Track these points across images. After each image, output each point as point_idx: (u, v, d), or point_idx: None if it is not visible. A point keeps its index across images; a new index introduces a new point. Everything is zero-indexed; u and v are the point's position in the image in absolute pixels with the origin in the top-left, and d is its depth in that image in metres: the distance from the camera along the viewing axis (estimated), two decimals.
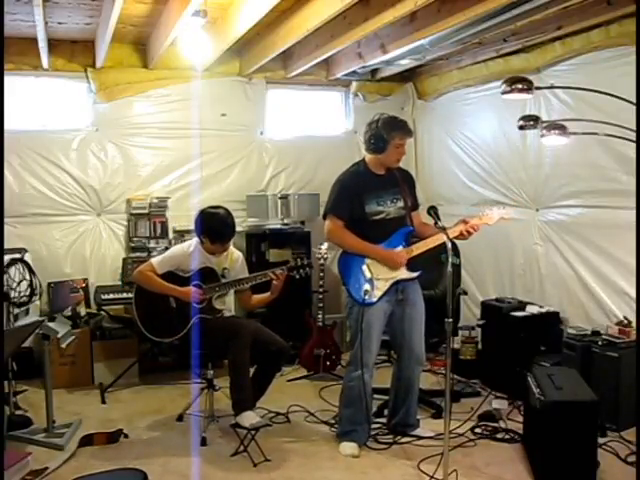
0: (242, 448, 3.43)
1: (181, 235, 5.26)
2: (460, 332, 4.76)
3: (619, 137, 3.28)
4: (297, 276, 3.79)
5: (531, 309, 4.44)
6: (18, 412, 3.96)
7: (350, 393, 3.51)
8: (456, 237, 3.38)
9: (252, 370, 3.79)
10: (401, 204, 3.50)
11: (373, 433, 3.63)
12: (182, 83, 5.29)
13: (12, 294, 3.90)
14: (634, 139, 3.02)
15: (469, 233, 3.39)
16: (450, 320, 2.96)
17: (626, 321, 3.87)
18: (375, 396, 3.71)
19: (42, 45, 4.39)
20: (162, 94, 5.28)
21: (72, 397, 4.43)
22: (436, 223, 3.21)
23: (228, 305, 3.95)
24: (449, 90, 5.53)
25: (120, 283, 5.07)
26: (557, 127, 3.37)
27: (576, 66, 4.23)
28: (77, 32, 4.67)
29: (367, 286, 3.38)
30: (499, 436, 3.65)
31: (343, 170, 3.59)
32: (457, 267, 4.35)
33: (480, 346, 4.77)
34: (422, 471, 3.22)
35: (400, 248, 3.44)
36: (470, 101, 5.31)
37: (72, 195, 5.12)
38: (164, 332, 3.69)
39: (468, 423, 3.72)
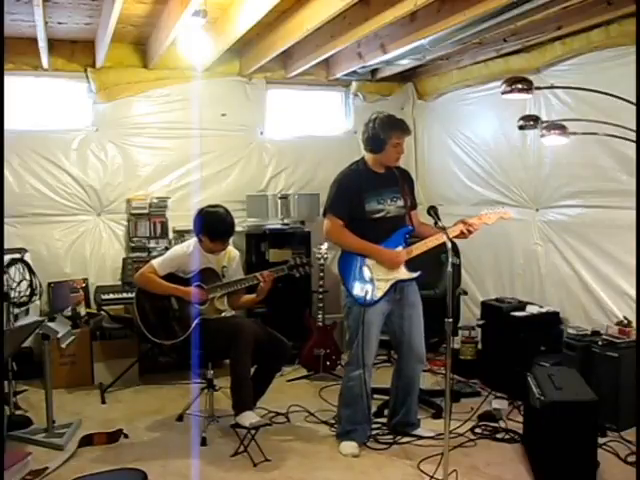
0: (242, 448, 3.43)
1: (181, 235, 5.26)
2: (460, 332, 4.76)
3: (619, 137, 3.28)
4: (297, 274, 3.81)
5: (531, 309, 4.44)
6: (18, 412, 3.96)
7: (350, 393, 3.51)
8: (456, 237, 3.38)
9: (252, 370, 3.79)
10: (401, 203, 3.50)
11: (373, 433, 3.63)
12: (182, 83, 5.29)
13: (12, 294, 3.90)
14: (634, 139, 3.01)
15: (469, 232, 3.39)
16: (450, 320, 2.96)
17: (626, 321, 3.86)
18: (375, 396, 3.71)
19: (42, 45, 4.38)
20: (162, 94, 5.28)
21: (72, 397, 4.43)
22: (436, 223, 3.21)
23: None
24: (449, 90, 5.53)
25: (120, 283, 5.08)
26: (557, 127, 3.37)
27: (576, 66, 4.22)
28: (77, 32, 4.67)
29: (368, 286, 3.38)
30: (499, 436, 3.65)
31: (343, 169, 3.59)
32: (457, 267, 4.35)
33: (480, 346, 4.77)
34: (422, 471, 3.22)
35: (400, 248, 3.44)
36: (470, 101, 5.31)
37: (72, 195, 5.12)
38: (166, 334, 3.68)
39: (468, 423, 3.72)
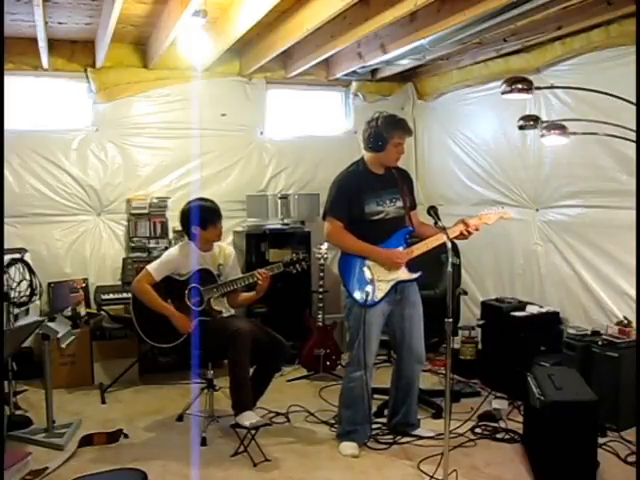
0: (242, 448, 3.43)
1: (181, 235, 5.22)
2: (460, 332, 4.76)
3: (619, 137, 3.28)
4: (294, 271, 3.79)
5: (531, 309, 4.44)
6: (18, 412, 3.96)
7: (350, 393, 3.51)
8: (456, 237, 3.38)
9: (251, 370, 3.79)
10: (400, 204, 3.50)
11: (373, 433, 3.63)
12: (182, 83, 5.29)
13: (12, 294, 3.90)
14: (634, 139, 3.01)
15: (469, 233, 3.39)
16: (450, 320, 2.96)
17: (626, 321, 3.86)
18: (375, 396, 3.71)
19: (42, 45, 4.38)
20: (162, 94, 5.28)
21: (72, 397, 4.43)
22: (436, 223, 3.21)
23: (227, 305, 3.94)
24: (449, 90, 5.53)
25: (120, 283, 5.08)
26: (557, 127, 3.37)
27: (576, 66, 4.23)
28: (77, 32, 4.67)
29: (368, 287, 3.37)
30: (499, 436, 3.65)
31: (342, 170, 3.59)
32: (457, 267, 4.35)
33: (480, 346, 4.77)
34: (422, 471, 3.22)
35: (400, 249, 3.44)
36: (470, 101, 5.31)
37: (72, 195, 5.12)
38: (165, 337, 3.67)
39: (468, 423, 3.72)
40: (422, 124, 5.95)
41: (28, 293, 4.02)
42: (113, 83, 5.10)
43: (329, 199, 3.51)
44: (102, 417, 4.03)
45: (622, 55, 3.82)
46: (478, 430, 3.72)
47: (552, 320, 4.41)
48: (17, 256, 4.21)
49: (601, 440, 3.35)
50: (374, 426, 3.68)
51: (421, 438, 3.59)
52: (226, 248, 3.97)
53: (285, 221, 5.50)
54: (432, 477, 3.12)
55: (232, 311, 3.93)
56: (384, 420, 3.79)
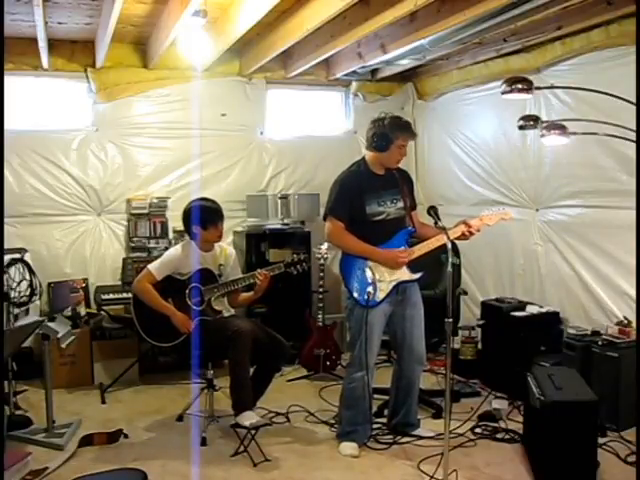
0: (242, 448, 3.43)
1: (181, 235, 5.24)
2: (460, 332, 4.76)
3: (619, 137, 3.28)
4: (295, 272, 3.80)
5: (531, 309, 4.44)
6: (18, 412, 3.96)
7: (351, 394, 3.50)
8: (457, 238, 3.38)
9: (252, 370, 3.79)
10: (401, 204, 3.50)
11: (373, 433, 3.63)
12: (182, 83, 5.29)
13: (12, 294, 3.90)
14: (634, 139, 3.02)
15: (471, 234, 3.39)
16: (450, 320, 2.96)
17: (626, 321, 3.86)
18: (375, 396, 3.71)
19: (42, 45, 4.38)
20: (162, 94, 5.28)
21: (72, 397, 4.43)
22: (436, 223, 3.21)
23: (227, 305, 3.94)
24: (449, 90, 5.53)
25: (120, 283, 5.08)
26: (557, 127, 3.37)
27: (576, 66, 4.23)
28: (77, 32, 4.67)
29: (370, 288, 3.37)
30: (499, 436, 3.65)
31: (343, 169, 3.58)
32: (457, 267, 4.35)
33: (480, 346, 4.77)
34: (422, 471, 3.22)
35: (402, 249, 3.44)
36: (470, 101, 5.31)
37: (72, 195, 5.12)
38: (165, 336, 3.67)
39: (468, 423, 3.72)
40: (422, 124, 5.95)
41: (28, 293, 4.02)
42: (113, 83, 5.10)
43: (330, 199, 3.50)
44: (102, 417, 4.03)
45: (622, 55, 3.82)
46: (478, 430, 3.72)
47: (552, 320, 4.41)
48: (17, 256, 4.21)
49: (601, 440, 3.35)
50: (374, 426, 3.68)
51: (421, 438, 3.59)
52: (227, 249, 3.96)
53: (285, 221, 5.50)
54: (432, 477, 3.12)
55: (232, 311, 3.93)
56: (384, 420, 3.79)
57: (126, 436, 3.69)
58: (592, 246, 4.25)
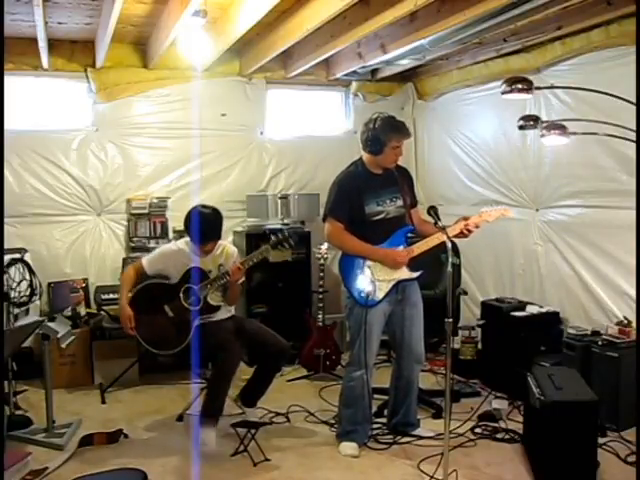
0: (242, 448, 3.43)
1: (181, 235, 5.24)
2: (460, 332, 4.77)
3: (619, 137, 3.28)
4: (286, 246, 3.73)
5: (531, 309, 4.44)
6: (18, 412, 3.96)
7: (351, 393, 3.51)
8: (457, 235, 3.37)
9: (252, 370, 3.80)
10: (400, 203, 3.49)
11: (373, 433, 3.63)
12: (182, 83, 5.29)
13: (12, 294, 3.90)
14: (634, 139, 3.01)
15: (469, 231, 3.38)
16: (450, 320, 2.96)
17: (626, 321, 3.86)
18: (375, 396, 3.71)
19: (42, 45, 4.38)
20: (162, 94, 5.28)
21: (72, 397, 4.43)
22: (436, 223, 3.21)
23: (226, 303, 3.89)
24: (449, 90, 5.53)
25: (120, 283, 5.07)
26: (557, 127, 3.37)
27: (576, 66, 4.23)
28: (77, 32, 4.67)
29: (369, 287, 3.37)
30: (499, 436, 3.65)
31: (342, 170, 3.58)
32: (457, 267, 4.35)
33: (480, 346, 4.77)
34: (422, 471, 3.22)
35: (401, 248, 3.44)
36: (470, 101, 5.31)
37: (72, 195, 5.12)
38: (166, 344, 3.62)
39: (468, 423, 3.72)
40: (422, 124, 5.95)
41: (28, 293, 4.02)
42: (113, 83, 5.10)
43: (329, 200, 3.50)
44: (102, 417, 4.03)
45: (622, 55, 3.83)
46: (478, 430, 3.72)
47: (552, 320, 4.41)
48: (17, 256, 4.21)
49: (601, 440, 3.35)
50: (374, 426, 3.68)
51: (421, 438, 3.59)
52: (228, 247, 3.90)
53: (285, 221, 5.50)
54: (432, 477, 3.12)
55: (232, 310, 3.91)
56: (384, 420, 3.79)
57: (126, 436, 3.69)
58: (592, 246, 4.25)
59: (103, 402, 4.34)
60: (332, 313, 5.05)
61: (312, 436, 3.72)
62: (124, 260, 5.12)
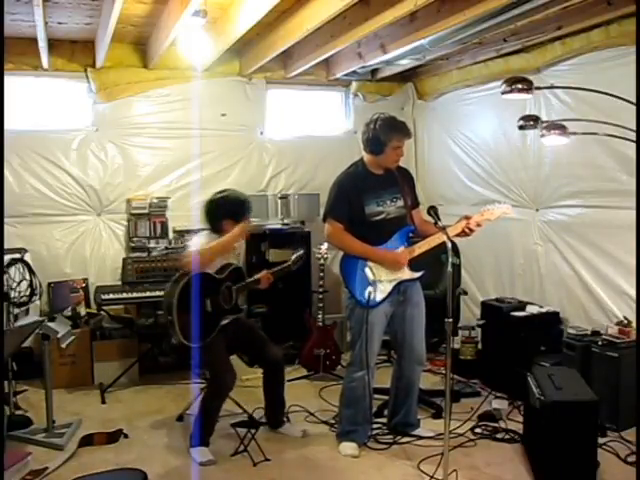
0: (242, 448, 3.43)
1: (181, 235, 5.27)
2: (460, 332, 4.77)
3: (619, 137, 3.28)
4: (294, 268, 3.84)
5: (531, 309, 4.44)
6: (18, 412, 3.96)
7: (351, 394, 3.50)
8: (458, 234, 3.37)
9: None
10: (401, 203, 3.49)
11: (373, 433, 3.63)
12: (182, 83, 5.29)
13: (12, 294, 3.90)
14: (634, 139, 3.01)
15: (471, 230, 3.38)
16: (450, 320, 2.96)
17: (626, 321, 3.86)
18: (375, 396, 3.70)
19: (42, 45, 4.38)
20: (162, 94, 5.28)
21: (72, 397, 4.43)
22: (436, 223, 3.20)
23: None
24: (449, 90, 5.53)
25: (120, 283, 5.07)
26: (557, 127, 3.36)
27: (576, 66, 4.23)
28: (77, 32, 4.67)
29: (370, 288, 3.37)
30: (499, 436, 3.65)
31: (342, 170, 3.58)
32: (457, 267, 4.35)
33: (480, 346, 4.77)
34: (422, 471, 3.23)
35: (402, 248, 3.44)
36: (470, 101, 5.31)
37: (72, 195, 5.12)
38: (198, 336, 3.46)
39: (468, 423, 3.73)
40: (422, 124, 5.95)
41: (28, 293, 4.02)
42: (113, 83, 5.10)
43: (329, 201, 3.50)
44: (102, 417, 4.03)
45: (622, 55, 3.83)
46: (478, 430, 3.72)
47: (552, 320, 4.41)
48: (17, 256, 4.21)
49: (601, 440, 3.35)
50: (374, 426, 3.68)
51: (421, 438, 3.59)
52: None
53: (285, 221, 5.50)
54: (432, 477, 3.12)
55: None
56: (384, 420, 3.79)
57: (126, 436, 3.69)
58: (592, 246, 4.25)
59: (103, 402, 4.34)
60: (332, 313, 5.05)
61: (312, 436, 3.71)
62: (124, 260, 5.12)
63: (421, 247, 3.41)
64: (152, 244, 5.21)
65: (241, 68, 5.43)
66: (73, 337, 4.24)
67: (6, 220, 4.56)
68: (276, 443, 3.59)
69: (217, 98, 5.44)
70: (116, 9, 3.50)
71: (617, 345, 3.72)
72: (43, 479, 3.16)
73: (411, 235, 3.49)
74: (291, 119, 5.85)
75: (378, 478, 3.22)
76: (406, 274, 3.43)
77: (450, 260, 2.96)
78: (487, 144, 5.16)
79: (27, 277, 4.07)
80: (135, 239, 5.21)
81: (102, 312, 4.86)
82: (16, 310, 3.95)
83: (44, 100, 5.10)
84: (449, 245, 3.02)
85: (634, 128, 2.96)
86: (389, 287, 3.41)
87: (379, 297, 3.38)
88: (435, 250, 3.40)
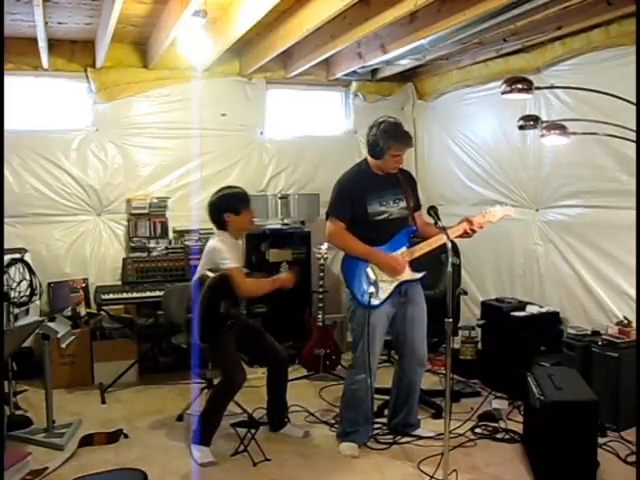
0: (242, 448, 3.43)
1: (181, 235, 5.27)
2: (460, 332, 4.77)
3: (619, 137, 3.28)
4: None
5: (531, 309, 4.44)
6: (18, 412, 3.96)
7: (353, 396, 3.50)
8: (460, 236, 3.37)
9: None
10: (403, 204, 3.49)
11: (373, 433, 3.63)
12: (182, 83, 5.29)
13: (12, 294, 3.90)
14: (634, 139, 3.01)
15: (473, 231, 3.38)
16: (450, 320, 2.96)
17: (626, 321, 3.86)
18: (375, 396, 3.70)
19: (42, 45, 4.38)
20: (162, 94, 5.28)
21: (72, 397, 4.43)
22: (436, 223, 3.21)
23: None
24: (449, 90, 5.53)
25: (120, 283, 5.08)
26: (557, 127, 3.36)
27: (576, 66, 4.22)
28: (77, 32, 4.67)
29: (372, 289, 3.37)
30: (499, 436, 3.65)
31: (343, 170, 3.58)
32: (457, 267, 4.35)
33: (480, 346, 4.77)
34: (422, 471, 3.23)
35: (403, 249, 3.43)
36: (470, 101, 5.31)
37: (72, 195, 5.11)
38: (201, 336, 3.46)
39: (468, 423, 3.73)
40: (422, 124, 5.95)
41: (28, 293, 4.02)
42: (113, 83, 5.10)
43: (332, 199, 3.50)
44: (102, 417, 4.03)
45: (622, 55, 3.82)
46: (478, 430, 3.72)
47: (552, 320, 4.41)
48: (17, 256, 4.21)
49: (601, 440, 3.35)
50: (374, 426, 3.67)
51: (421, 438, 3.59)
52: None
53: (285, 221, 5.50)
54: (432, 477, 3.12)
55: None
56: (384, 420, 3.79)
57: (126, 436, 3.69)
58: (592, 246, 4.25)
59: (103, 402, 4.34)
60: (332, 313, 5.05)
61: (312, 436, 3.71)
62: (124, 260, 5.12)
63: (422, 248, 3.41)
64: (152, 244, 5.21)
65: (241, 68, 5.43)
66: (73, 337, 4.23)
67: (6, 220, 4.56)
68: (276, 443, 3.59)
69: (217, 98, 5.44)
70: (116, 9, 3.50)
71: (617, 345, 3.72)
72: (43, 479, 3.16)
73: (412, 236, 3.49)
74: (291, 119, 5.85)
75: (378, 478, 3.22)
76: (408, 274, 3.43)
77: (450, 260, 2.96)
78: (487, 144, 5.16)
79: (27, 277, 4.07)
80: (135, 239, 5.21)
81: (102, 312, 4.86)
82: (16, 310, 3.95)
83: (44, 100, 5.10)
84: (449, 245, 3.02)
85: (634, 128, 2.96)
86: (391, 288, 3.41)
87: (381, 298, 3.38)
88: (436, 251, 3.40)
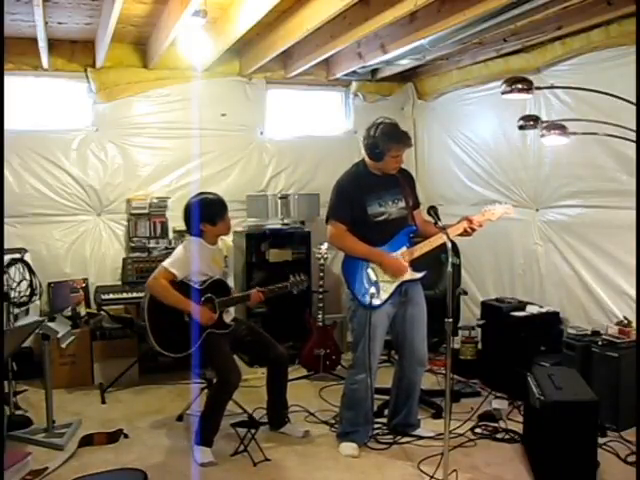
0: (242, 448, 3.43)
1: (181, 235, 5.26)
2: (460, 332, 4.76)
3: (619, 137, 3.28)
4: (295, 292, 3.84)
5: (531, 309, 4.44)
6: (18, 412, 3.96)
7: (353, 396, 3.50)
8: (460, 235, 3.37)
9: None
10: (402, 204, 3.49)
11: (374, 433, 3.63)
12: (182, 83, 5.29)
13: (12, 294, 3.90)
14: (634, 139, 3.01)
15: (473, 230, 3.38)
16: (450, 320, 2.96)
17: (626, 321, 3.86)
18: (375, 396, 3.70)
19: (42, 45, 4.38)
20: (162, 94, 5.28)
21: (72, 397, 4.43)
22: (436, 223, 3.21)
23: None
24: (449, 90, 5.53)
25: (120, 283, 5.08)
26: (557, 127, 3.36)
27: (576, 66, 4.23)
28: (77, 32, 4.67)
29: (373, 289, 3.36)
30: (499, 436, 3.65)
31: (343, 170, 3.58)
32: (457, 267, 4.35)
33: (480, 346, 4.77)
34: (422, 471, 3.23)
35: (404, 249, 3.43)
36: (470, 101, 5.31)
37: (72, 195, 5.12)
38: (176, 347, 3.50)
39: (468, 423, 3.73)
40: (422, 124, 5.95)
41: (28, 293, 4.03)
42: (113, 83, 5.10)
43: (331, 202, 3.50)
44: (102, 417, 4.03)
45: (622, 55, 3.82)
46: (478, 430, 3.72)
47: (552, 320, 4.41)
48: (17, 256, 4.21)
49: (601, 440, 3.35)
50: (374, 426, 3.67)
51: (421, 438, 3.59)
52: (225, 239, 3.87)
53: (285, 221, 5.50)
54: (432, 477, 3.12)
55: (232, 313, 3.88)
56: (384, 420, 3.78)
57: (126, 436, 3.69)
58: (592, 246, 4.25)
59: (103, 402, 4.34)
60: (332, 313, 5.05)
61: (312, 436, 3.71)
62: (124, 260, 5.12)
63: (422, 248, 3.41)
64: (152, 244, 5.21)
65: (241, 68, 5.43)
66: (73, 337, 4.24)
67: (6, 220, 4.56)
68: (276, 443, 3.59)
69: (217, 98, 5.44)
70: (116, 9, 3.50)
71: (617, 345, 3.72)
72: (43, 479, 3.16)
73: (412, 235, 3.49)
74: (291, 119, 5.85)
75: (378, 478, 3.22)
76: (408, 274, 3.43)
77: (450, 260, 2.96)
78: (487, 144, 5.16)
79: (27, 277, 4.07)
80: (135, 239, 5.21)
81: (102, 312, 4.85)
82: (16, 310, 3.96)
83: (44, 100, 5.10)
84: (449, 245, 3.02)
85: (634, 128, 2.96)
86: (391, 288, 3.41)
87: (382, 298, 3.38)
88: (436, 250, 3.40)
